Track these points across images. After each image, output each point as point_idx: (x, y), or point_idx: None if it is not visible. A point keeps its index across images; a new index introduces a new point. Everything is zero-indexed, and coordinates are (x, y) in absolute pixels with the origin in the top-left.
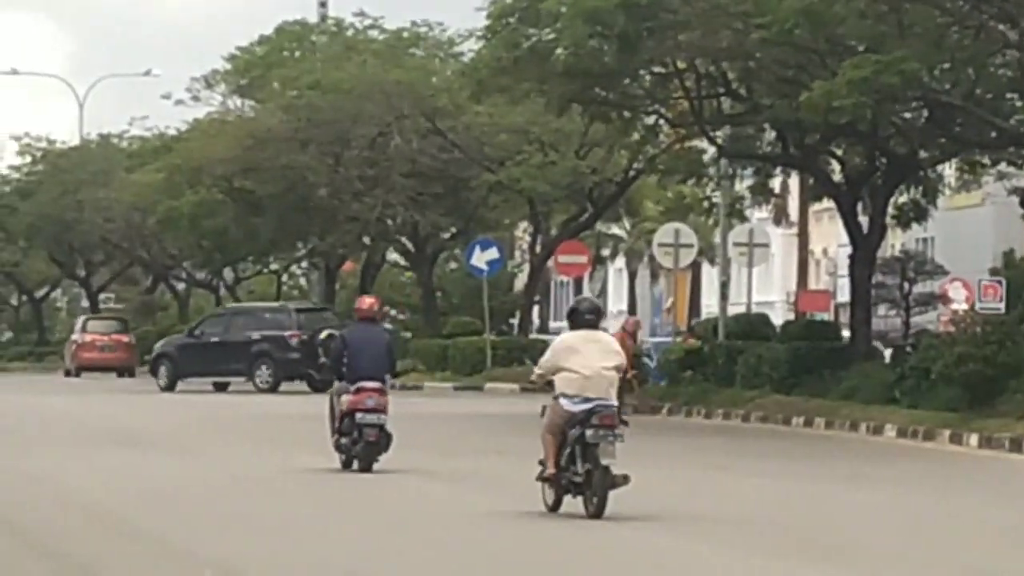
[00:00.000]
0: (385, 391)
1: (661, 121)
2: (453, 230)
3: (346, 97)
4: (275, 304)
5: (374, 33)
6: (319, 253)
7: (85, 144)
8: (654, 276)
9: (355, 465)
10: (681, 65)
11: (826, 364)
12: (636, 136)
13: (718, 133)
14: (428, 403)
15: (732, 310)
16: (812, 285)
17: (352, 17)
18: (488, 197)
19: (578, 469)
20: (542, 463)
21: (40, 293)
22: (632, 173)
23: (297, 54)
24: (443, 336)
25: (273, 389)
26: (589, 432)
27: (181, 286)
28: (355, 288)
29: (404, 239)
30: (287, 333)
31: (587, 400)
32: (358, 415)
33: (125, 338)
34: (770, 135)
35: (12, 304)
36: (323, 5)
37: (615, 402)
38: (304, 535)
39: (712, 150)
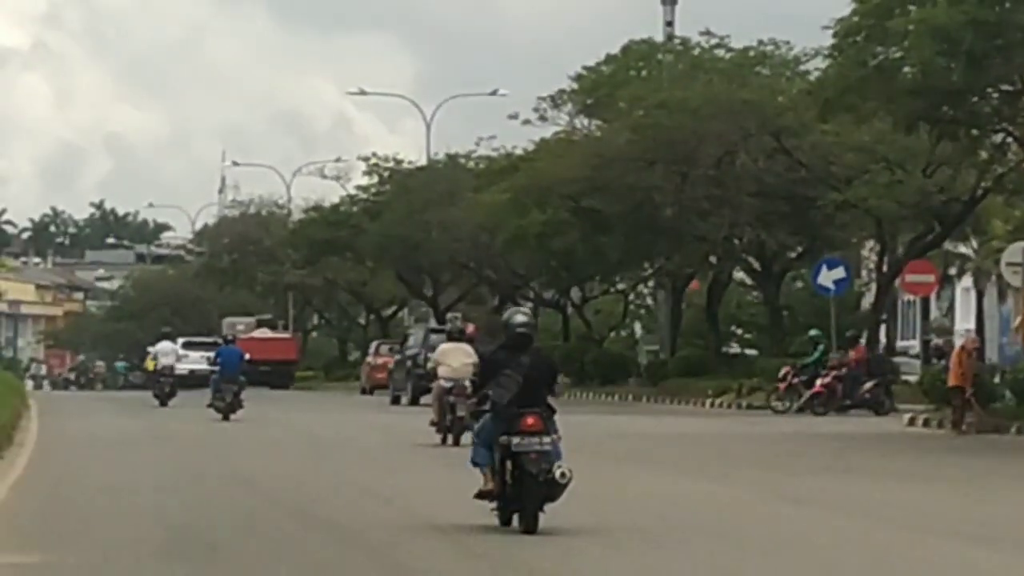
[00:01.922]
0: None
1: (1009, 140)
2: (799, 249)
3: (692, 116)
4: (420, 325)
5: (720, 52)
6: (666, 272)
7: (432, 164)
8: (1002, 295)
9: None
10: None
11: None
12: (984, 154)
13: None
14: (776, 422)
15: None
16: None
17: (698, 36)
18: (835, 216)
19: (446, 420)
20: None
21: (387, 312)
22: (980, 192)
23: (644, 73)
24: (789, 355)
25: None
26: (451, 398)
27: (528, 305)
28: (701, 307)
29: (750, 258)
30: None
31: (452, 380)
32: None
33: None
34: None
35: (360, 323)
36: (669, 24)
37: (468, 383)
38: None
39: None
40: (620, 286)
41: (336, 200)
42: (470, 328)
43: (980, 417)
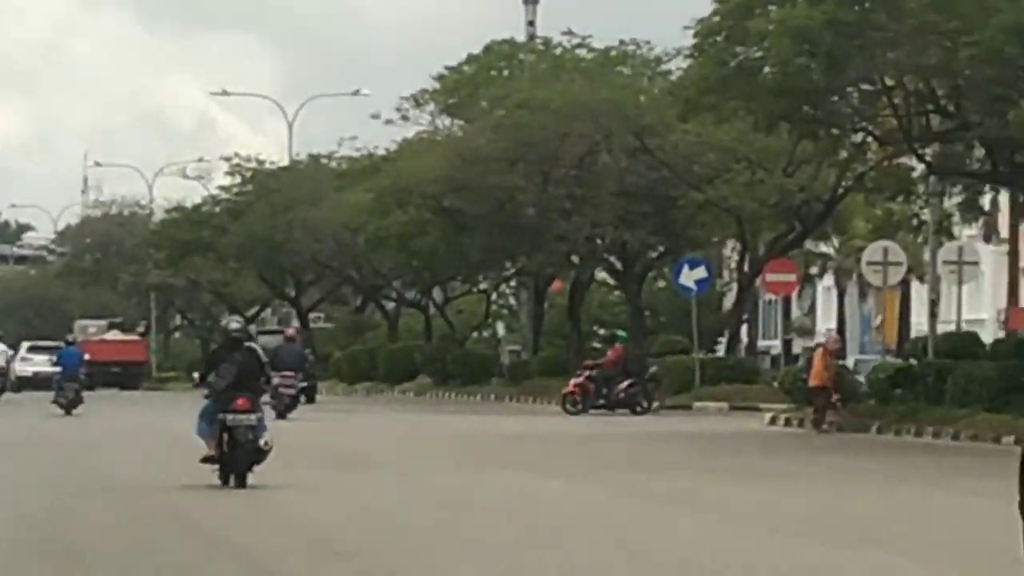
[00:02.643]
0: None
1: (869, 139)
2: (661, 249)
3: (554, 116)
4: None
5: (582, 52)
6: (527, 272)
7: (295, 164)
8: (863, 294)
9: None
10: (889, 82)
11: None
12: (844, 154)
13: (927, 150)
14: (637, 421)
15: (941, 328)
16: (1023, 303)
17: (560, 36)
18: (696, 215)
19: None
20: None
21: (250, 313)
22: (840, 191)
23: (505, 73)
24: (651, 355)
25: None
26: None
27: (390, 305)
28: (563, 307)
29: (612, 258)
30: None
31: None
32: None
33: None
34: (979, 152)
35: (222, 324)
36: (531, 24)
37: None
38: (506, 555)
39: (921, 167)
40: (482, 286)
41: (198, 200)
42: (290, 331)
43: (844, 417)
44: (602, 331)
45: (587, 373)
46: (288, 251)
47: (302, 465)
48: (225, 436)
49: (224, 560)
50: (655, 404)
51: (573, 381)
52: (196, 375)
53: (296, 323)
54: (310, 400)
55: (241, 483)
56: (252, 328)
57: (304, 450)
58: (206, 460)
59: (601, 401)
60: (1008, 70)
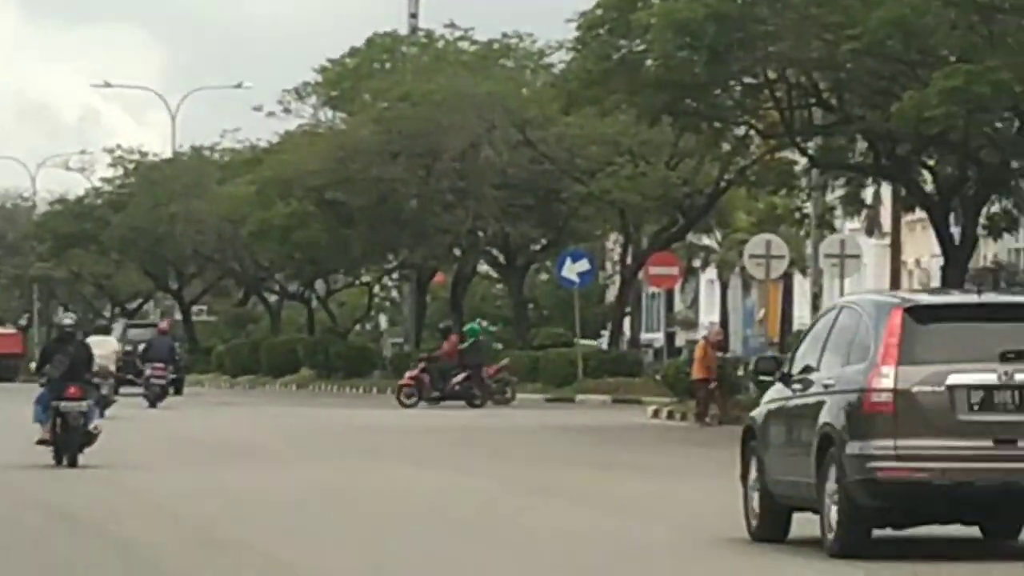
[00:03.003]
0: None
1: (752, 132)
2: (544, 241)
3: (436, 109)
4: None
5: (464, 44)
6: (410, 265)
7: (177, 156)
8: (746, 287)
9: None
10: (771, 76)
11: None
12: (727, 147)
13: (809, 144)
14: (519, 415)
15: None
16: None
17: (442, 29)
18: (579, 208)
19: None
20: None
21: (132, 305)
22: (723, 184)
23: (388, 66)
24: (534, 348)
25: None
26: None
27: (273, 298)
28: (446, 300)
29: (495, 251)
30: None
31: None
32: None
33: None
34: (861, 145)
35: (105, 316)
36: (414, 17)
37: (111, 367)
38: (387, 547)
39: (803, 161)
40: (365, 279)
41: (81, 192)
42: (163, 324)
43: (724, 409)
44: (469, 325)
45: (422, 365)
46: (170, 243)
47: (171, 454)
48: (59, 421)
49: (109, 555)
50: (508, 396)
51: (408, 373)
52: (33, 365)
53: (179, 316)
54: (177, 392)
55: (72, 463)
56: (123, 321)
57: (176, 440)
58: (41, 442)
59: (436, 393)
60: (890, 64)
